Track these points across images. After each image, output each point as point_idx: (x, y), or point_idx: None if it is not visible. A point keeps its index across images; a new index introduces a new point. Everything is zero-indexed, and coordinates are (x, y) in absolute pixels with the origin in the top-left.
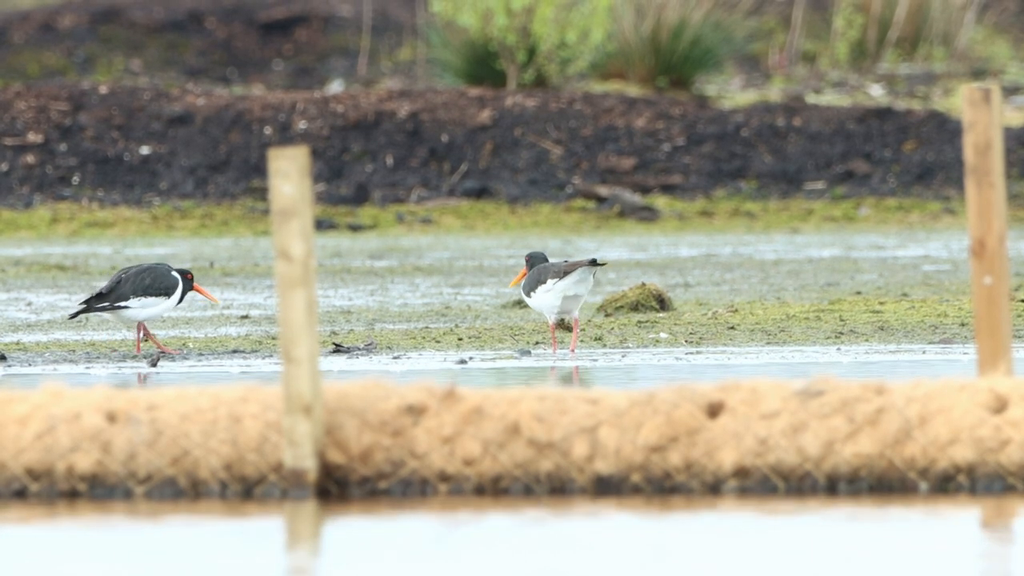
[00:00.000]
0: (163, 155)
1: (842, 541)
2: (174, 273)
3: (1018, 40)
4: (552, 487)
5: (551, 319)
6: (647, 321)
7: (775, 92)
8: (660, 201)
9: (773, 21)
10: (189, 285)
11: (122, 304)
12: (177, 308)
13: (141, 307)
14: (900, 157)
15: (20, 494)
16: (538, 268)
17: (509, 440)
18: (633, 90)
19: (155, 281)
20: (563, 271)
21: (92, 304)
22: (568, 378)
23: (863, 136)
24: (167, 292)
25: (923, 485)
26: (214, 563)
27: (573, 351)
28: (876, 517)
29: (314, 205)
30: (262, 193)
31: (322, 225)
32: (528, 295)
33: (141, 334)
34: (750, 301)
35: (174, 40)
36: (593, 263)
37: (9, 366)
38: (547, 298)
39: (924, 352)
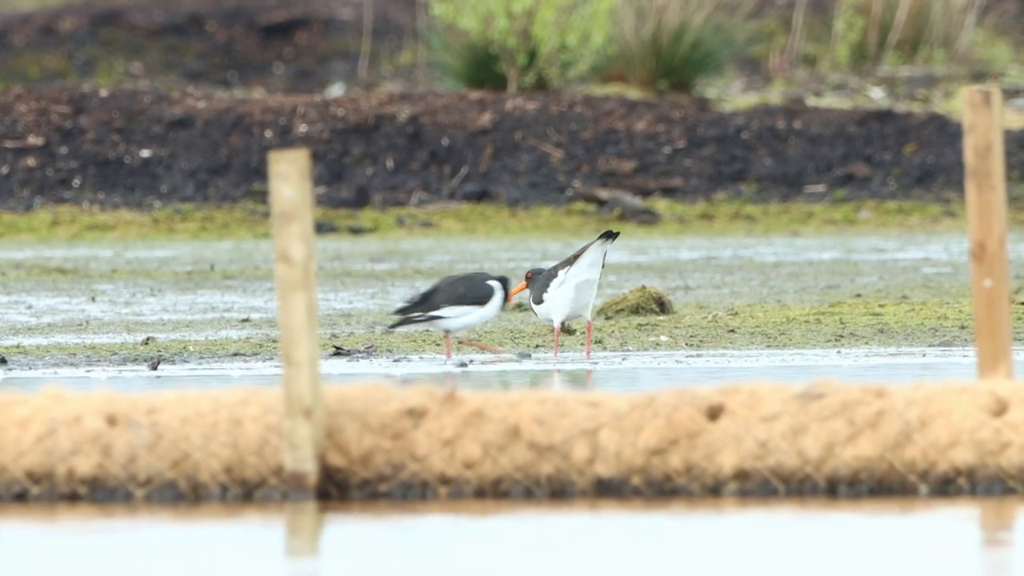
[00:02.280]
0: (163, 158)
1: (842, 543)
2: (490, 282)
3: (1019, 42)
4: (552, 490)
5: (559, 320)
6: (647, 324)
7: (775, 95)
8: (660, 204)
9: (774, 24)
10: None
11: (435, 313)
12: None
13: (456, 316)
14: (900, 160)
15: (20, 497)
16: (544, 273)
17: (509, 443)
18: (634, 93)
19: (469, 290)
20: (574, 256)
21: (407, 313)
22: (569, 381)
23: (863, 139)
24: (481, 301)
25: (923, 488)
26: (214, 566)
27: (588, 355)
28: (876, 519)
29: (314, 208)
30: (262, 196)
31: (322, 228)
32: (539, 301)
33: (454, 340)
34: (750, 304)
35: (174, 43)
36: (609, 235)
37: (10, 369)
38: (560, 293)
39: (924, 355)
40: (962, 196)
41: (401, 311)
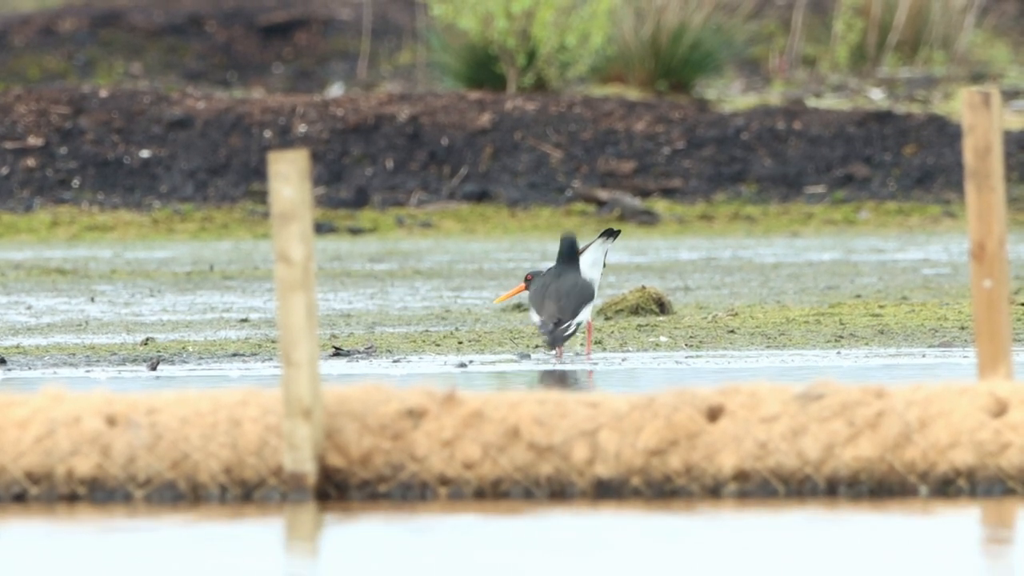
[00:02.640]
0: (163, 158)
1: (842, 544)
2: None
3: (1018, 44)
4: (552, 490)
5: None
6: (647, 325)
7: (775, 96)
8: (660, 205)
9: (773, 25)
10: None
11: (579, 319)
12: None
13: (585, 315)
14: (900, 161)
15: (20, 498)
16: (545, 274)
17: (509, 443)
18: (633, 94)
19: (586, 288)
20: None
21: (563, 324)
22: (569, 381)
23: (863, 140)
24: (592, 296)
25: (923, 488)
26: (214, 566)
27: (589, 356)
28: (876, 520)
29: (314, 208)
30: (262, 196)
31: (322, 228)
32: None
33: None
34: (750, 305)
35: (174, 44)
36: (610, 233)
37: (9, 370)
38: None
39: (924, 356)
40: (962, 197)
41: (557, 327)
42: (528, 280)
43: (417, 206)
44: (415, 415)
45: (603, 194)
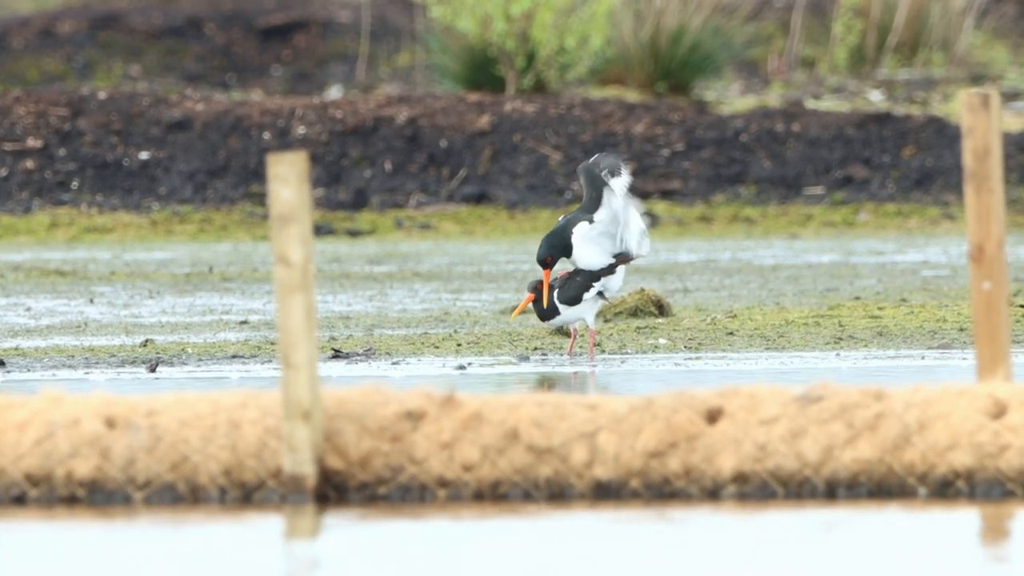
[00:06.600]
0: (162, 160)
1: (841, 546)
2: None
3: (1017, 45)
4: (551, 493)
5: (594, 322)
6: (646, 327)
7: (774, 98)
8: (659, 206)
9: (772, 27)
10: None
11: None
12: (174, 312)
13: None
14: (899, 162)
15: (19, 500)
16: (573, 278)
17: (508, 446)
18: (632, 96)
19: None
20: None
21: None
22: (566, 384)
23: (862, 141)
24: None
25: (922, 490)
26: (213, 568)
27: (592, 357)
28: (875, 522)
29: (313, 210)
30: (261, 198)
31: (321, 230)
32: (575, 301)
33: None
34: (749, 307)
35: (173, 46)
36: (622, 260)
37: (8, 372)
38: (595, 300)
39: (923, 357)
40: (961, 199)
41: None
42: (536, 289)
43: (416, 208)
44: (414, 417)
45: None
